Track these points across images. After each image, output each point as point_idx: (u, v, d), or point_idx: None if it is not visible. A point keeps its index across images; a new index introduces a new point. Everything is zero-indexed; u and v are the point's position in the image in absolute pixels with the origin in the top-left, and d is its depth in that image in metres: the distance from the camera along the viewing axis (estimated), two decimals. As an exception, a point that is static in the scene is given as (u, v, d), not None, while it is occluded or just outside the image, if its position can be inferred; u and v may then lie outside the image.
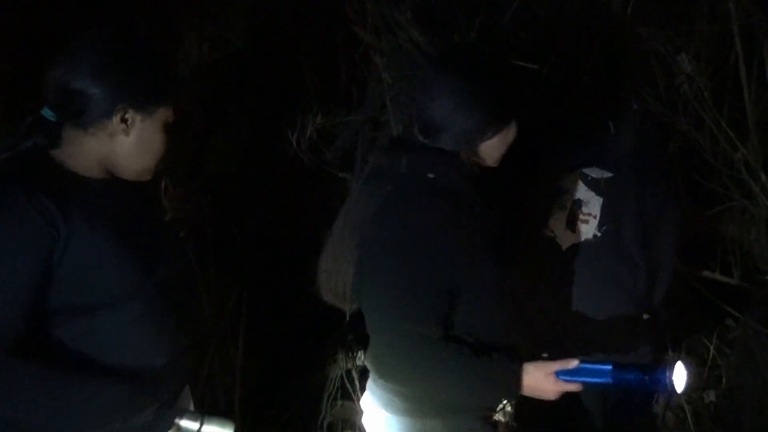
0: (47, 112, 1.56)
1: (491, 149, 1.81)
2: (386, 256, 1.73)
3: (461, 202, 1.76)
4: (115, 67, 1.55)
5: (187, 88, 1.68)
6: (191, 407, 1.80)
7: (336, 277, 1.87)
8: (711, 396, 3.22)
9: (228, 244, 3.28)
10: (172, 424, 1.63)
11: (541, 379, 1.75)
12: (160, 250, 1.65)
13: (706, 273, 3.05)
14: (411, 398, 1.83)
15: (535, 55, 2.66)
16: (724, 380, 3.21)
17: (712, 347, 3.13)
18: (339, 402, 3.23)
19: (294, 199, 3.28)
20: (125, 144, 1.58)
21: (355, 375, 3.24)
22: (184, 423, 1.65)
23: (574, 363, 1.75)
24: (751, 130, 2.54)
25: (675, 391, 1.77)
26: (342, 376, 3.24)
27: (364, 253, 1.79)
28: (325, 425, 3.14)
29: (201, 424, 1.65)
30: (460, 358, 1.71)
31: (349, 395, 3.22)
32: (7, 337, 1.44)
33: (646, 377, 1.76)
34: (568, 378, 1.76)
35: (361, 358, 3.37)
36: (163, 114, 1.60)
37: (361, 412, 3.09)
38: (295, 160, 3.13)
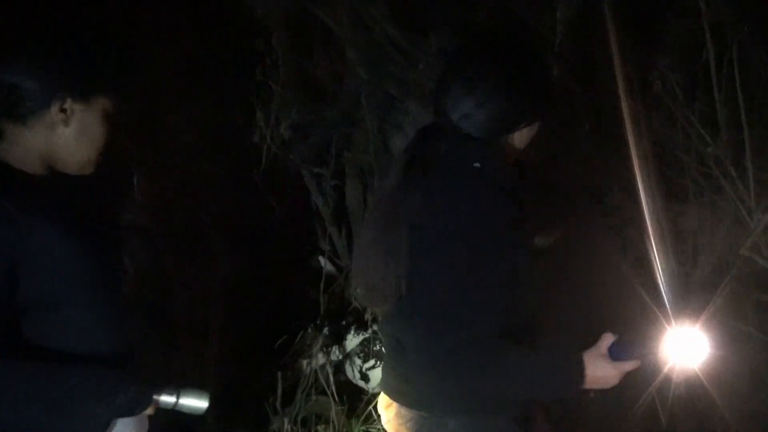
0: None
1: (518, 140, 1.75)
2: (449, 253, 1.62)
3: (510, 194, 1.67)
4: (52, 56, 1.53)
5: (135, 79, 1.63)
6: None
7: (372, 274, 1.73)
8: (681, 388, 3.25)
9: (201, 238, 3.26)
10: (151, 400, 1.65)
11: (601, 366, 1.66)
12: (113, 243, 1.67)
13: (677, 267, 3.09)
14: (466, 398, 1.73)
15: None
16: (694, 373, 3.25)
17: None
18: (313, 397, 3.23)
19: (268, 193, 3.26)
20: (65, 135, 1.55)
21: (329, 370, 3.24)
22: (163, 398, 1.68)
23: (609, 339, 1.67)
24: (721, 127, 2.58)
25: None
26: (316, 371, 3.25)
27: (418, 249, 1.66)
28: (299, 420, 3.14)
29: (178, 398, 1.69)
30: (526, 356, 1.64)
31: (323, 390, 3.22)
32: None
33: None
34: (622, 356, 1.67)
35: (336, 353, 3.37)
36: (104, 104, 1.58)
37: (335, 406, 3.12)
38: (268, 155, 3.12)
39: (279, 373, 3.31)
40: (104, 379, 1.56)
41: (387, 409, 1.87)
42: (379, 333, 1.90)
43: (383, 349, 1.91)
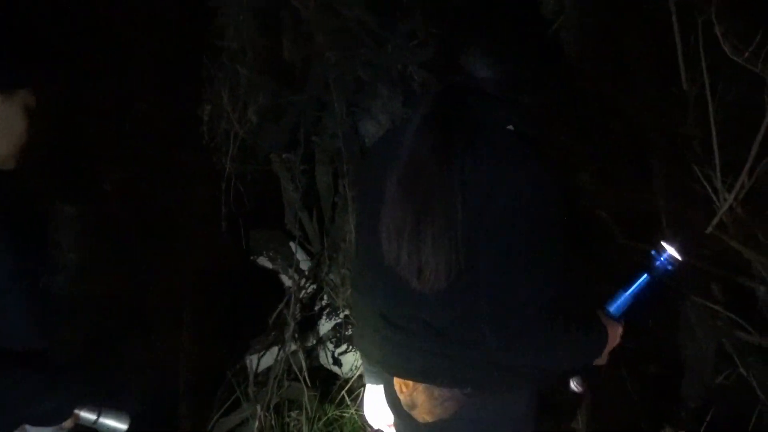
0: None
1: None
2: (519, 228, 1.53)
3: (549, 157, 1.59)
4: None
5: (61, 73, 1.57)
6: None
7: (399, 252, 1.58)
8: (652, 367, 3.30)
9: (173, 226, 3.22)
10: (71, 413, 1.62)
11: (612, 325, 1.70)
12: (37, 240, 1.63)
13: (646, 247, 3.11)
14: (529, 373, 1.70)
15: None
16: (664, 351, 3.30)
17: (650, 319, 3.21)
18: (286, 383, 3.22)
19: (237, 180, 3.23)
20: None
21: (302, 356, 3.23)
22: (83, 414, 1.68)
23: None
24: (689, 106, 2.60)
25: (677, 260, 1.74)
26: (288, 357, 3.23)
27: (483, 225, 1.53)
28: (271, 407, 3.12)
29: (98, 416, 1.69)
30: (581, 327, 1.63)
31: (296, 376, 3.21)
32: None
33: (653, 265, 1.74)
34: (616, 309, 1.74)
35: (310, 339, 3.36)
36: (25, 97, 1.51)
37: (308, 392, 3.12)
38: (236, 141, 3.08)
39: (250, 360, 3.30)
40: (24, 384, 1.52)
41: (410, 393, 1.76)
42: (388, 316, 1.75)
43: (388, 333, 1.77)
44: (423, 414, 1.75)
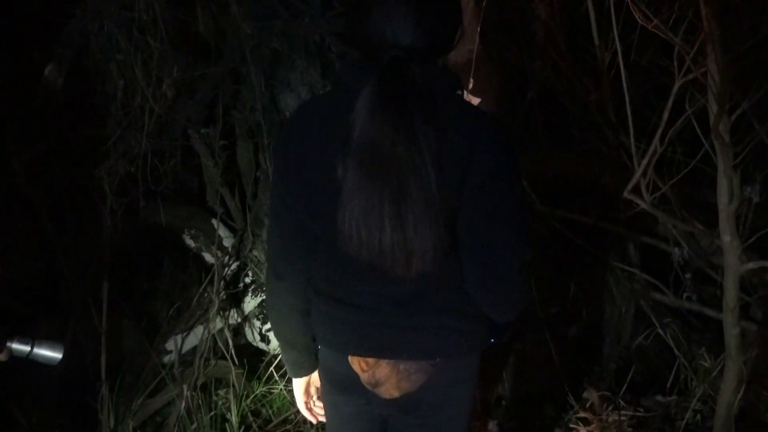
0: None
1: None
2: (505, 191, 1.55)
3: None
4: None
5: None
6: None
7: (378, 234, 1.49)
8: (573, 330, 3.38)
9: (87, 207, 3.13)
10: (3, 347, 1.61)
11: None
12: None
13: (564, 213, 3.17)
14: (484, 333, 1.76)
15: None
16: (583, 314, 3.38)
17: (572, 284, 3.28)
18: (212, 362, 3.18)
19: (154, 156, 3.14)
20: None
21: (228, 334, 3.20)
22: (15, 345, 1.67)
23: None
24: (602, 74, 2.64)
25: None
26: (214, 335, 3.19)
27: (470, 195, 1.52)
28: (198, 386, 3.09)
29: (32, 347, 1.68)
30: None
31: (222, 355, 3.18)
32: None
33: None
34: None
35: (234, 317, 3.33)
36: None
37: (235, 370, 3.08)
38: (151, 116, 3.00)
39: (175, 340, 3.24)
40: None
41: (372, 370, 1.72)
42: (341, 297, 1.69)
43: (341, 313, 1.71)
44: (390, 390, 1.72)
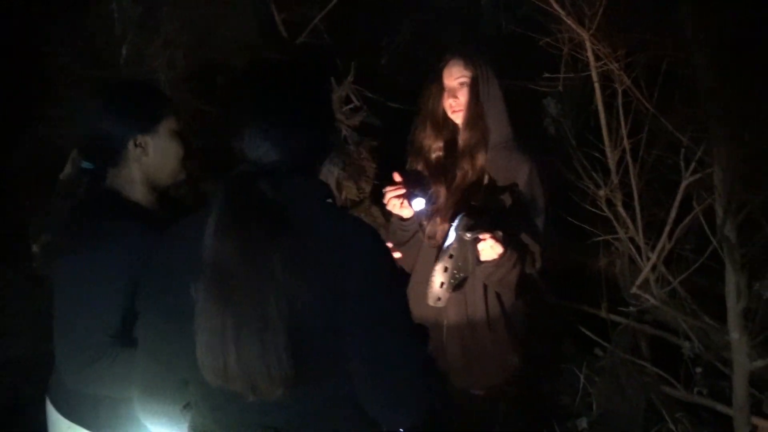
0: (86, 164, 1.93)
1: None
2: (386, 295, 1.52)
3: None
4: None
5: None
6: None
7: (223, 359, 1.43)
8: (583, 423, 3.34)
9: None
10: None
11: None
12: None
13: (575, 305, 3.18)
14: None
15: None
16: (594, 407, 3.35)
17: (582, 376, 3.26)
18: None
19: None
20: (148, 162, 1.89)
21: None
22: None
23: None
24: (611, 170, 2.68)
25: None
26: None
27: (316, 305, 1.45)
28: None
29: None
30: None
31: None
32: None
33: None
34: None
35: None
36: (168, 125, 1.90)
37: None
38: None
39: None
40: None
41: None
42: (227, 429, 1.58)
43: None
44: None
